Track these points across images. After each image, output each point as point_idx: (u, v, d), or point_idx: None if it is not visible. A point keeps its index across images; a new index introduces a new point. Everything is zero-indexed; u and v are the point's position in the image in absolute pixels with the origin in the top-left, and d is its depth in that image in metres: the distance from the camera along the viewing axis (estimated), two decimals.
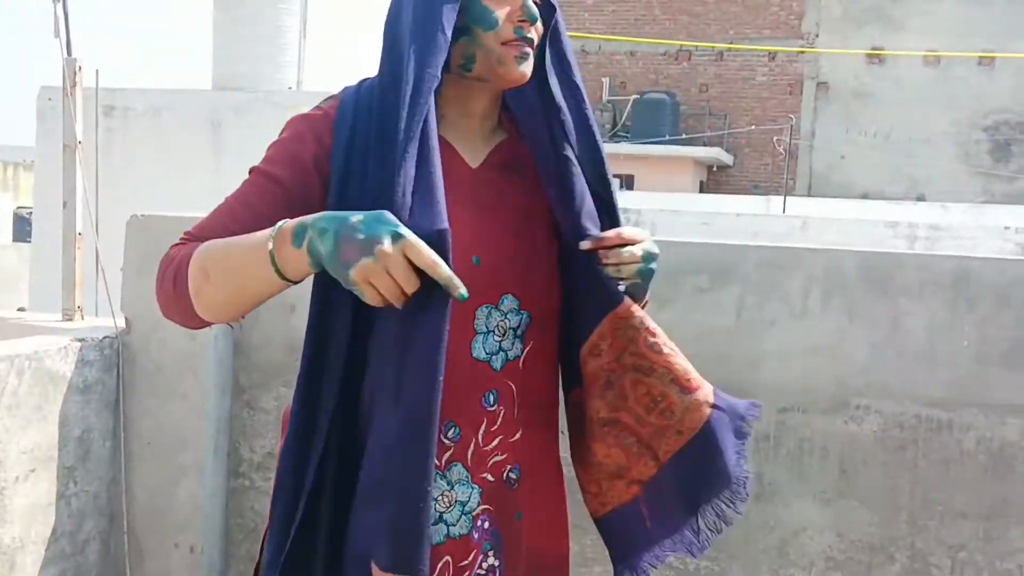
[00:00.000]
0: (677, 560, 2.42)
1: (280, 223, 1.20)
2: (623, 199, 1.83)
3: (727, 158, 20.17)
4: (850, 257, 2.35)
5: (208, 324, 1.32)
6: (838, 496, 2.33)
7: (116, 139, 11.53)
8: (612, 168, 1.43)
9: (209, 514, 2.56)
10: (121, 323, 2.54)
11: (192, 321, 1.30)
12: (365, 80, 1.38)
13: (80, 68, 2.66)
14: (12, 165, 31.98)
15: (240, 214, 1.30)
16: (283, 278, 1.20)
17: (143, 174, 11.10)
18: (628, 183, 17.51)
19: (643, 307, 1.40)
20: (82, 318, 2.69)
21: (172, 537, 2.53)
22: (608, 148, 1.53)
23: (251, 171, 1.35)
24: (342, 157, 1.29)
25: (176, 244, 1.32)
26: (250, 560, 2.64)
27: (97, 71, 2.76)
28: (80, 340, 2.41)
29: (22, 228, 23.80)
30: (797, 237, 9.99)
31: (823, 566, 2.34)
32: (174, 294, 1.28)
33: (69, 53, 2.64)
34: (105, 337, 2.49)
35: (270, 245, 1.19)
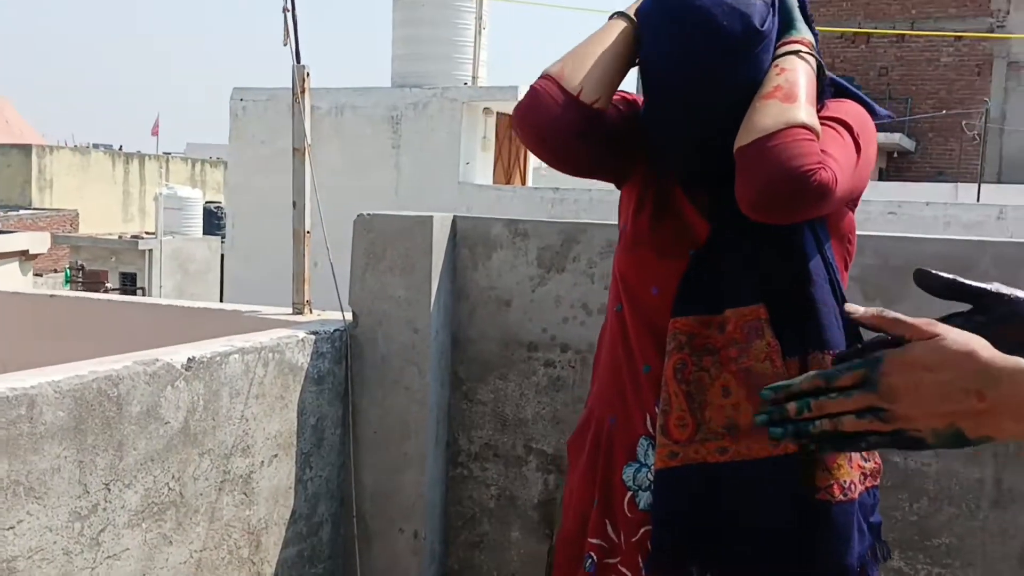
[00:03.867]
0: (906, 565, 2.35)
1: None
2: None
3: (908, 144, 19.28)
4: None
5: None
6: None
7: None
8: None
9: (431, 501, 2.65)
10: (349, 317, 2.66)
11: None
12: None
13: (308, 74, 2.79)
14: (200, 162, 33.94)
15: None
16: None
17: (329, 170, 11.57)
18: None
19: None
20: (310, 312, 2.82)
21: (397, 522, 2.63)
22: None
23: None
24: None
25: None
26: (469, 547, 2.73)
27: (307, 73, 2.85)
28: (314, 333, 2.54)
29: (210, 222, 25.14)
30: (992, 228, 9.46)
31: None
32: None
33: (298, 61, 2.78)
34: (335, 330, 2.61)
35: None
